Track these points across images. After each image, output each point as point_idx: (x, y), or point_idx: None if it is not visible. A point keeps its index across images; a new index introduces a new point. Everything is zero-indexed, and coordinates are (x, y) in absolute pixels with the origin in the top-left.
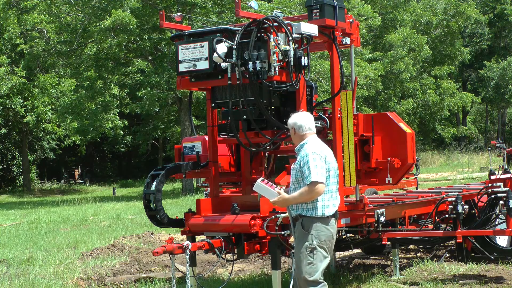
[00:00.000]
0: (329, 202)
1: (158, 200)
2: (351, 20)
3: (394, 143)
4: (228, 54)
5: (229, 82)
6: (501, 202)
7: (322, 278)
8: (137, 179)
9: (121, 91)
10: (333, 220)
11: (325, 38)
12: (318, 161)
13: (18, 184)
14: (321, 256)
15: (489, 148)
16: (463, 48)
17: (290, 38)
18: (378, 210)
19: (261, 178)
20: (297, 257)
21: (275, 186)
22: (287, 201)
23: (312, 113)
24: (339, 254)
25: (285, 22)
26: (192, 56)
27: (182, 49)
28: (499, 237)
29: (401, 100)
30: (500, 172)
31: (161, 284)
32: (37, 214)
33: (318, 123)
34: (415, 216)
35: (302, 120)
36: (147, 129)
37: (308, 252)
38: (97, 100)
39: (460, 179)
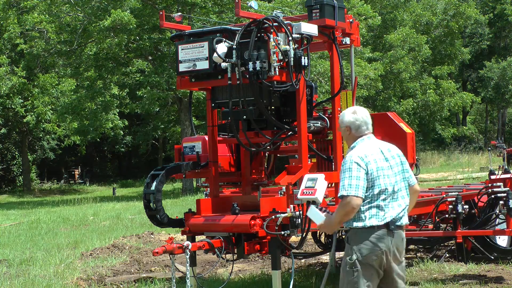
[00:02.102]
0: (374, 211)
1: (158, 200)
2: (351, 20)
3: (394, 143)
4: (228, 54)
5: (229, 82)
6: (501, 202)
7: None
8: (137, 179)
9: (121, 91)
10: (382, 232)
11: (325, 38)
12: (354, 171)
13: (18, 184)
14: (364, 274)
15: (489, 148)
16: (463, 48)
17: (290, 38)
18: None
19: (315, 205)
20: (341, 275)
21: (326, 211)
22: (330, 224)
23: (312, 114)
24: (339, 254)
25: (285, 22)
26: (192, 56)
27: (182, 49)
28: (499, 237)
29: (401, 100)
30: (500, 172)
31: (161, 284)
32: (37, 214)
33: (318, 123)
34: (415, 216)
35: (359, 116)
36: (147, 129)
37: (348, 268)
38: (97, 100)
39: (460, 179)
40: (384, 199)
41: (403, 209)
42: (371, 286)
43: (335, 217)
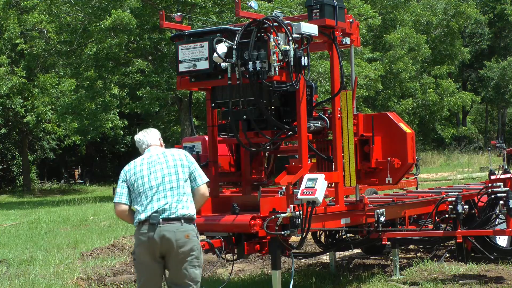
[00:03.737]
0: (138, 209)
1: None
2: (351, 20)
3: (394, 143)
4: (228, 54)
5: (229, 82)
6: (501, 202)
7: None
8: None
9: (121, 91)
10: (144, 226)
11: (325, 38)
12: (120, 181)
13: (18, 184)
14: (136, 265)
15: (489, 148)
16: (463, 48)
17: (290, 38)
18: (378, 210)
19: None
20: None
21: None
22: None
23: (312, 114)
24: (339, 254)
25: (285, 22)
26: (192, 56)
27: (182, 49)
28: (499, 237)
29: (401, 100)
30: (500, 172)
31: None
32: (37, 214)
33: (318, 123)
34: (415, 216)
35: (140, 136)
36: None
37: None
38: (97, 100)
39: (460, 179)
40: (145, 197)
41: (169, 204)
42: (141, 278)
43: None
